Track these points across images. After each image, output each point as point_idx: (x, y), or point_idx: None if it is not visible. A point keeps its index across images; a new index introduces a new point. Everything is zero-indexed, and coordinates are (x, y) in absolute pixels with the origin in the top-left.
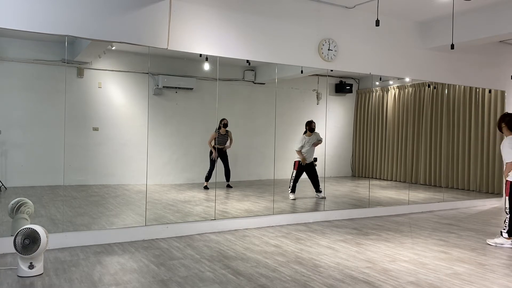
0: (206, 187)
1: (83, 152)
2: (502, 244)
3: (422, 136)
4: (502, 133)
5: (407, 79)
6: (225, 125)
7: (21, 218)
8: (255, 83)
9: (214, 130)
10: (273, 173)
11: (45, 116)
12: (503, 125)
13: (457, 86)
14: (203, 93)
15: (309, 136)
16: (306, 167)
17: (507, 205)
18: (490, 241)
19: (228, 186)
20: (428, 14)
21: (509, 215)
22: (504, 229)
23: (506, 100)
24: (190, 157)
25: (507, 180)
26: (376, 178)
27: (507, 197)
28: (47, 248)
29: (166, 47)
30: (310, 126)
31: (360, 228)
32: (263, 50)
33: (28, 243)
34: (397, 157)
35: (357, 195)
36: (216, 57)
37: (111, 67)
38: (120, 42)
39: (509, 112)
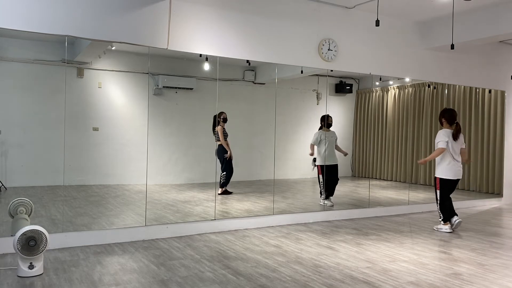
0: (228, 192)
1: (83, 152)
2: (441, 229)
3: (422, 136)
4: (442, 126)
5: (407, 79)
6: (225, 120)
7: (21, 218)
8: (255, 83)
9: (218, 124)
10: (273, 173)
11: (45, 116)
12: (443, 120)
13: (457, 86)
14: (203, 93)
15: (326, 131)
16: (327, 170)
17: (438, 197)
18: (435, 227)
19: (227, 192)
20: (428, 14)
21: (438, 206)
22: (440, 218)
23: (506, 100)
24: (190, 157)
25: (436, 177)
26: (376, 178)
27: (438, 191)
28: (47, 248)
29: (166, 47)
30: (327, 121)
31: (360, 228)
32: (263, 50)
33: (34, 244)
34: (397, 157)
35: (357, 195)
36: (216, 57)
37: (111, 67)
38: (120, 42)
39: (448, 107)
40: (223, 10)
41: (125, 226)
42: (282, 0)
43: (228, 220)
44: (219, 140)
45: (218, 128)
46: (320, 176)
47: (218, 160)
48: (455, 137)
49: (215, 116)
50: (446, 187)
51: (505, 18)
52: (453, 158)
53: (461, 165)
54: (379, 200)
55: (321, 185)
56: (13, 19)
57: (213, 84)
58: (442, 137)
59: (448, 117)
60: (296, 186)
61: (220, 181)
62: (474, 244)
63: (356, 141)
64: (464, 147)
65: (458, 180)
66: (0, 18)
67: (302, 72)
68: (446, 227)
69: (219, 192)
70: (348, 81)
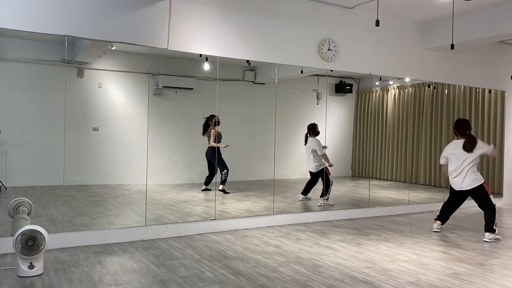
0: (226, 191)
1: (83, 152)
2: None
3: (422, 136)
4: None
5: (407, 79)
6: (217, 123)
7: (21, 218)
8: (255, 83)
9: (210, 127)
10: (273, 173)
11: (45, 116)
12: (455, 131)
13: (457, 86)
14: (203, 93)
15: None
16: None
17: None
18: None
19: (208, 189)
20: (428, 14)
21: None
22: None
23: (506, 100)
24: (190, 157)
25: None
26: (376, 178)
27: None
28: (47, 248)
29: (166, 47)
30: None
31: (360, 228)
32: (263, 50)
33: (32, 244)
34: (397, 157)
35: (357, 195)
36: (216, 57)
37: (111, 67)
38: (120, 42)
39: (460, 118)
40: (223, 10)
41: (125, 226)
42: (282, 0)
43: (228, 220)
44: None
45: (213, 132)
46: (330, 177)
47: (214, 162)
48: (466, 149)
49: (207, 118)
50: (451, 192)
51: (505, 18)
52: (455, 169)
53: (468, 175)
54: (379, 200)
55: (329, 186)
56: (13, 19)
57: (213, 84)
58: (443, 153)
59: (459, 128)
60: (296, 186)
61: (221, 178)
62: (474, 244)
63: (356, 141)
64: (486, 151)
65: (463, 191)
66: (0, 18)
67: (302, 72)
68: (434, 224)
69: (220, 188)
70: (348, 81)
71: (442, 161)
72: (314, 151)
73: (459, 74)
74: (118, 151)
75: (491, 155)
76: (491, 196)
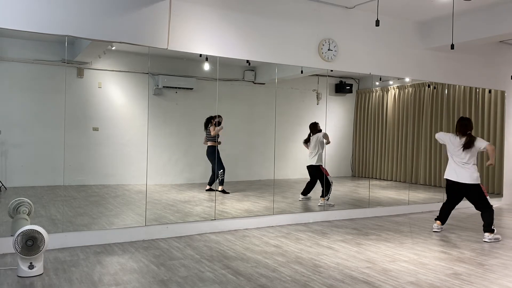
0: (226, 191)
1: (83, 152)
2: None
3: (422, 136)
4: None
5: (407, 79)
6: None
7: (21, 218)
8: (255, 83)
9: (215, 125)
10: (273, 173)
11: (45, 116)
12: (456, 129)
13: (457, 86)
14: (203, 93)
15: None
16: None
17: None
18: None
19: (211, 190)
20: (428, 14)
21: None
22: None
23: (506, 100)
24: (190, 157)
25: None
26: (376, 178)
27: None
28: (47, 248)
29: (166, 47)
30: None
31: (360, 228)
32: (263, 50)
33: (31, 244)
34: (397, 157)
35: (357, 195)
36: (216, 57)
37: (111, 67)
38: (120, 42)
39: (462, 116)
40: (223, 10)
41: (125, 226)
42: (282, 0)
43: (228, 220)
44: (209, 141)
45: (216, 129)
46: (330, 177)
47: (212, 161)
48: (466, 147)
49: (209, 118)
50: (447, 187)
51: (505, 18)
52: (453, 162)
53: (465, 169)
54: (379, 200)
55: (329, 187)
56: (13, 19)
57: (213, 84)
58: (442, 137)
59: (459, 127)
60: (296, 186)
61: (218, 179)
62: (474, 244)
63: (356, 141)
64: (485, 146)
65: (457, 183)
66: (0, 18)
67: (302, 72)
68: (434, 224)
69: (219, 189)
70: (348, 81)
71: (437, 138)
72: (321, 142)
73: (459, 74)
74: (118, 151)
75: (488, 159)
76: (487, 197)
